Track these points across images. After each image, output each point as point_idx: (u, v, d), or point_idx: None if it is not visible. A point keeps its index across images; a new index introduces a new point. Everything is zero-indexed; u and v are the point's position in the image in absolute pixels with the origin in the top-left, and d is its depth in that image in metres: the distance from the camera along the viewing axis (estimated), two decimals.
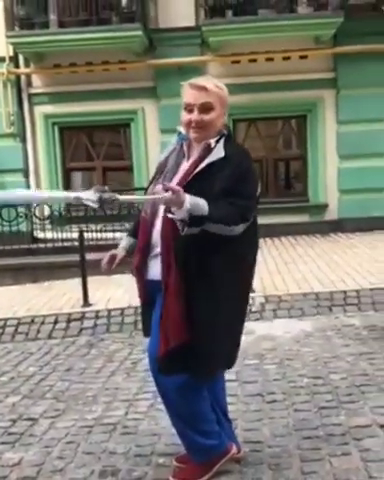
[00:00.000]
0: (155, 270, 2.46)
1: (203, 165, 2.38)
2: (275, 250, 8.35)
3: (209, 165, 2.37)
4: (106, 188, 2.27)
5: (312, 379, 3.85)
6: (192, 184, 2.34)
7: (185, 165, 2.49)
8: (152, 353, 2.52)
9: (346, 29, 8.93)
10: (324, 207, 10.08)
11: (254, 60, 9.66)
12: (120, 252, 2.69)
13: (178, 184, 2.38)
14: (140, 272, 2.52)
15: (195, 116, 2.40)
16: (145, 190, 2.68)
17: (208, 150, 2.43)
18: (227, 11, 8.94)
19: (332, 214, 10.07)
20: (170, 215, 2.20)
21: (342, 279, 6.38)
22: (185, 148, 2.53)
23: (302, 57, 9.63)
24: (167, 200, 2.16)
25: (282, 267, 7.21)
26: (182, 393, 2.46)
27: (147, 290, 2.55)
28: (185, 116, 2.43)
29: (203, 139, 2.45)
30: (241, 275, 2.49)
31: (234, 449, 2.68)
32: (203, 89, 2.39)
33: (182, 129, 2.52)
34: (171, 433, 3.07)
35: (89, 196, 2.23)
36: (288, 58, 9.64)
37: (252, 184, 2.43)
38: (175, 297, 2.35)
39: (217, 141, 2.45)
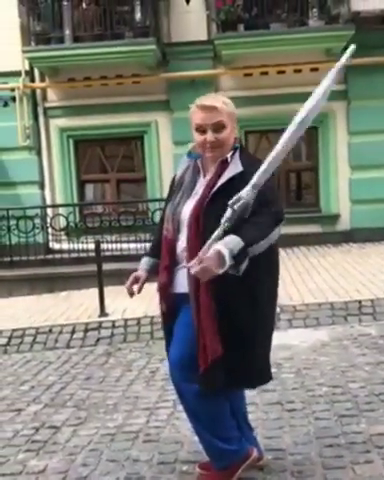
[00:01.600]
0: (180, 283, 2.52)
1: (223, 180, 2.42)
2: (288, 260, 8.39)
3: (229, 180, 2.41)
4: None
5: (331, 388, 3.88)
6: (215, 200, 2.40)
7: (202, 182, 2.55)
8: (173, 361, 2.57)
9: (357, 41, 8.87)
10: (336, 217, 10.12)
11: (266, 73, 9.77)
12: (142, 274, 2.72)
13: (200, 201, 2.45)
14: (166, 288, 2.57)
15: (210, 137, 2.44)
16: (164, 208, 2.73)
17: (225, 165, 2.48)
18: (239, 25, 9.05)
19: (344, 224, 10.11)
20: (221, 271, 2.17)
21: (356, 289, 6.41)
22: (200, 165, 2.59)
23: (313, 70, 9.69)
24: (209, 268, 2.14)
25: (296, 277, 7.25)
26: (202, 399, 2.50)
27: (172, 304, 2.59)
28: (199, 137, 2.48)
29: (219, 157, 2.50)
30: (272, 284, 2.55)
31: (255, 453, 2.71)
32: (213, 109, 2.43)
33: (194, 149, 2.57)
34: (193, 441, 3.12)
35: None
36: (299, 71, 9.72)
37: (273, 190, 2.48)
38: (208, 312, 2.39)
39: (232, 155, 2.50)
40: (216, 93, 2.71)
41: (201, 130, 2.46)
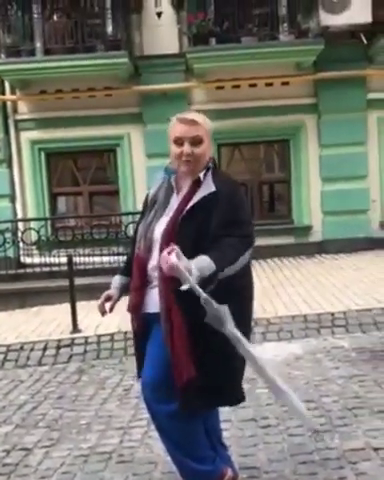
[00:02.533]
0: (152, 303, 2.50)
1: (196, 199, 2.44)
2: (262, 272, 8.42)
3: (202, 199, 2.43)
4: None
5: (304, 403, 3.80)
6: (187, 219, 2.41)
7: (175, 199, 2.55)
8: (145, 382, 2.55)
9: (326, 56, 9.16)
10: (308, 229, 10.21)
11: (237, 86, 9.85)
12: (114, 292, 2.70)
13: (172, 220, 2.46)
14: (137, 308, 2.55)
15: (186, 149, 2.46)
16: (136, 226, 2.71)
17: (198, 184, 2.50)
18: (210, 39, 9.11)
19: (316, 236, 10.20)
20: (184, 287, 2.20)
21: (329, 301, 6.46)
22: (173, 183, 2.59)
23: (284, 83, 9.84)
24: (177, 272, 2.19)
25: (269, 290, 7.28)
26: (175, 419, 2.48)
27: (143, 323, 2.57)
28: (176, 149, 2.49)
29: (193, 172, 2.51)
30: (245, 305, 2.54)
31: (230, 473, 2.68)
32: (193, 123, 2.47)
33: (170, 164, 2.58)
34: (167, 461, 3.08)
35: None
36: (271, 84, 9.84)
37: (246, 211, 2.50)
38: (180, 333, 2.38)
39: (205, 174, 2.52)
40: (194, 110, 2.71)
41: (179, 143, 2.48)
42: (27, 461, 3.37)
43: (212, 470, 2.60)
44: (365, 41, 9.42)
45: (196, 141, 2.47)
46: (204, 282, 2.23)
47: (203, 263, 2.23)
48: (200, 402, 2.44)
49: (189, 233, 2.37)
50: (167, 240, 2.41)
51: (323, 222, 10.16)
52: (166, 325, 2.42)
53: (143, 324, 2.56)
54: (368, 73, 9.79)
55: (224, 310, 2.26)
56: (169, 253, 2.20)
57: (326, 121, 9.94)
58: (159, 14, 9.44)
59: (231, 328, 2.28)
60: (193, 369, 2.38)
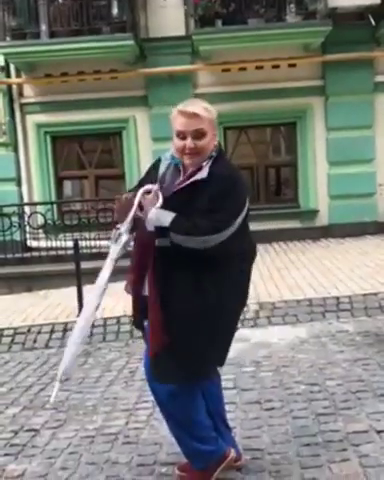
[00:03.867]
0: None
1: (185, 184, 2.47)
2: (267, 256, 8.43)
3: (191, 184, 2.45)
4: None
5: (308, 386, 3.91)
6: (172, 199, 2.45)
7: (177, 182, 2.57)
8: (147, 363, 2.62)
9: (334, 37, 9.06)
10: (315, 213, 10.18)
11: (244, 68, 9.77)
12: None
13: (163, 202, 2.47)
14: (136, 289, 2.58)
15: (189, 143, 2.45)
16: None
17: (197, 170, 2.50)
18: (217, 21, 9.03)
19: (322, 220, 10.18)
20: (157, 244, 2.40)
21: (334, 285, 6.47)
22: (180, 167, 2.58)
23: (291, 65, 9.75)
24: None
25: (275, 273, 7.29)
26: (176, 399, 2.53)
27: (142, 306, 2.58)
28: (178, 142, 2.48)
29: (197, 164, 2.51)
30: (223, 277, 2.51)
31: (233, 454, 2.72)
32: (194, 116, 2.43)
33: (174, 153, 2.56)
34: (172, 442, 3.11)
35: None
36: (277, 66, 9.75)
37: (231, 200, 2.44)
38: (153, 304, 2.44)
39: (206, 163, 2.51)
40: (197, 98, 2.66)
41: (181, 136, 2.46)
42: (34, 442, 3.42)
43: (214, 450, 2.64)
44: (373, 23, 9.30)
45: (199, 134, 2.45)
46: (158, 229, 2.38)
47: (164, 214, 2.39)
48: (174, 369, 2.47)
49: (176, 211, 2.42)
50: None
51: (329, 206, 10.13)
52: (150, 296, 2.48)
53: (142, 306, 2.56)
54: (376, 55, 9.69)
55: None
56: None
57: (333, 104, 9.87)
58: None
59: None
60: (165, 338, 2.43)
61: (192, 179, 2.46)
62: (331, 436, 3.10)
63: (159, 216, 2.38)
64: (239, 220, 2.44)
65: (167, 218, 2.36)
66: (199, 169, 2.49)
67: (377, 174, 10.01)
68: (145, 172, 2.79)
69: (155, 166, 2.67)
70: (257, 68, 9.77)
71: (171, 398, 2.53)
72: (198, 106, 2.48)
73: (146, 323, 2.59)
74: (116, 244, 2.50)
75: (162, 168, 2.64)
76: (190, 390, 2.55)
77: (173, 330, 2.44)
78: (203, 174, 2.45)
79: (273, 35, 9.02)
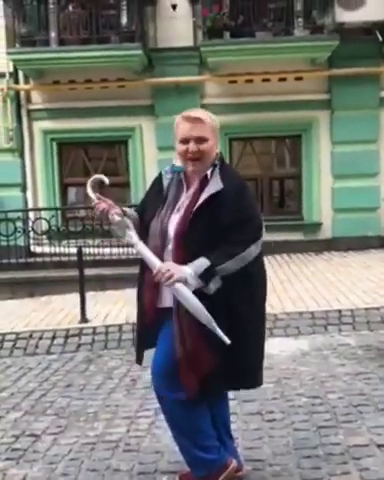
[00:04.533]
0: (165, 298, 2.56)
1: (204, 198, 2.48)
2: (270, 268, 8.41)
3: (210, 197, 2.47)
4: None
5: (310, 398, 3.92)
6: (197, 217, 2.46)
7: (185, 196, 2.58)
8: (155, 370, 2.62)
9: (341, 52, 9.13)
10: (318, 226, 10.21)
11: (251, 81, 9.84)
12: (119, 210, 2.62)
13: (183, 218, 2.50)
14: (152, 303, 2.59)
15: (192, 146, 2.49)
16: (141, 205, 2.78)
17: (205, 182, 2.53)
18: (225, 33, 9.10)
19: (326, 233, 10.20)
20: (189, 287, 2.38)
21: (337, 298, 6.48)
22: (183, 179, 2.62)
23: (298, 78, 9.81)
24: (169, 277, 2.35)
25: (277, 285, 7.30)
26: (183, 409, 2.55)
27: (156, 317, 2.60)
28: (181, 147, 2.52)
29: (200, 171, 2.54)
30: (255, 300, 2.60)
31: (234, 464, 2.73)
32: (198, 121, 2.50)
33: (177, 162, 2.61)
34: (173, 451, 3.13)
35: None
36: (284, 79, 9.82)
37: (253, 207, 2.55)
38: (192, 328, 2.45)
39: (212, 171, 2.54)
40: (199, 108, 2.73)
41: (184, 142, 2.51)
42: (35, 447, 3.43)
43: (217, 459, 2.65)
44: (380, 38, 9.37)
45: (201, 139, 2.50)
46: (204, 277, 2.36)
47: (197, 263, 2.38)
48: (218, 387, 2.56)
49: (199, 231, 2.43)
50: (180, 238, 2.48)
51: (333, 219, 10.15)
52: (176, 318, 2.48)
53: (156, 318, 2.59)
54: (382, 70, 9.75)
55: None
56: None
57: (339, 118, 9.92)
58: (174, 6, 9.42)
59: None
60: (213, 357, 2.45)
61: (208, 192, 2.48)
62: (332, 449, 3.11)
63: (194, 267, 2.37)
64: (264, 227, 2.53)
65: (203, 263, 2.37)
66: (205, 179, 2.53)
67: (381, 188, 10.04)
68: (148, 188, 2.81)
69: (158, 181, 2.71)
70: (264, 80, 9.83)
71: (178, 408, 2.55)
72: (201, 112, 2.58)
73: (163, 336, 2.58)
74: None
75: (165, 183, 2.66)
76: (198, 400, 2.56)
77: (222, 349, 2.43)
78: (218, 185, 2.48)
79: (280, 48, 9.10)
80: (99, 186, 2.74)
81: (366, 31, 9.48)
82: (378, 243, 9.85)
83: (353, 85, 9.60)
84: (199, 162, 2.52)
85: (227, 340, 2.35)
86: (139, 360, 2.77)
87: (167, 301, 2.55)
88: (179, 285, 2.35)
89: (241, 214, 2.45)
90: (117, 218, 2.55)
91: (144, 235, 2.60)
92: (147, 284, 2.60)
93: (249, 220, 2.47)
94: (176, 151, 2.56)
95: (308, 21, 9.14)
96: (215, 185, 2.49)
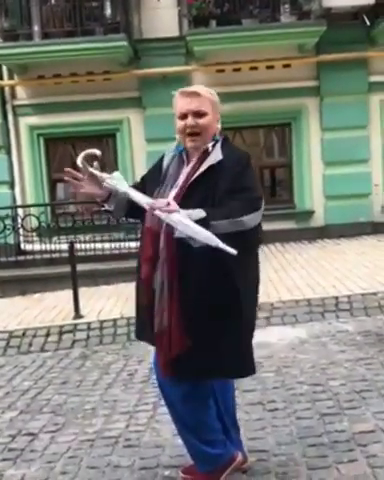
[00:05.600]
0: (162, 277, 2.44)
1: (203, 169, 2.39)
2: (264, 257, 8.35)
3: (208, 168, 2.38)
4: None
5: (311, 386, 3.85)
6: (194, 187, 2.37)
7: (185, 170, 2.49)
8: (155, 360, 2.54)
9: (328, 37, 9.04)
10: (310, 213, 10.14)
11: (238, 69, 9.72)
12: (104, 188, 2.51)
13: (179, 192, 2.40)
14: (149, 280, 2.46)
15: (189, 121, 2.41)
16: (141, 181, 2.69)
17: (206, 154, 2.44)
18: (211, 21, 8.99)
19: (318, 220, 10.14)
20: (176, 235, 2.22)
21: (333, 285, 6.41)
22: (184, 156, 2.53)
23: (286, 66, 9.71)
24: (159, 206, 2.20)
25: (272, 274, 7.23)
26: (188, 402, 2.46)
27: (153, 297, 2.47)
28: (180, 123, 2.44)
29: (200, 146, 2.45)
30: (249, 278, 2.47)
31: (240, 457, 2.67)
32: (195, 94, 2.42)
33: (178, 138, 2.52)
34: (175, 445, 3.07)
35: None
36: (272, 67, 9.71)
37: (252, 178, 2.42)
38: (176, 303, 2.34)
39: (214, 146, 2.46)
40: (198, 85, 2.63)
41: (183, 116, 2.43)
42: (33, 446, 3.34)
43: (222, 453, 2.58)
44: (368, 23, 9.28)
45: (200, 113, 2.41)
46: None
47: (193, 211, 2.22)
48: (196, 372, 2.40)
49: (193, 203, 2.32)
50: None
51: (325, 207, 10.09)
52: (168, 294, 2.38)
53: (153, 298, 2.46)
54: (370, 55, 9.67)
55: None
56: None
57: (328, 104, 9.84)
58: None
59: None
60: (184, 339, 2.34)
61: (208, 163, 2.39)
62: (337, 436, 3.04)
63: (189, 214, 2.20)
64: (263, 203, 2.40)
65: (200, 212, 2.21)
66: (205, 152, 2.43)
67: (372, 174, 9.99)
68: (151, 166, 2.71)
69: (160, 160, 2.62)
70: (251, 69, 9.72)
71: (183, 400, 2.46)
72: (199, 87, 2.50)
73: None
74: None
75: (166, 160, 2.59)
76: (203, 392, 2.49)
77: (198, 331, 2.35)
78: (218, 156, 2.40)
79: (267, 35, 8.97)
80: (92, 159, 2.58)
81: (353, 16, 9.40)
82: (371, 229, 9.80)
83: (342, 71, 9.51)
84: (198, 137, 2.43)
85: (233, 250, 2.15)
86: (138, 336, 2.66)
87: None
88: (177, 215, 2.19)
89: (239, 182, 2.33)
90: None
91: (140, 213, 2.48)
92: (143, 259, 2.48)
93: (248, 189, 2.34)
94: (176, 127, 2.47)
95: (295, 7, 9.02)
96: (215, 156, 2.41)
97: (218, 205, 2.29)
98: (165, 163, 2.58)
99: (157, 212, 2.22)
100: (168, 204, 2.19)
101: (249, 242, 2.40)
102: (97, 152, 2.53)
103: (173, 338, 2.36)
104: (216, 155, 2.41)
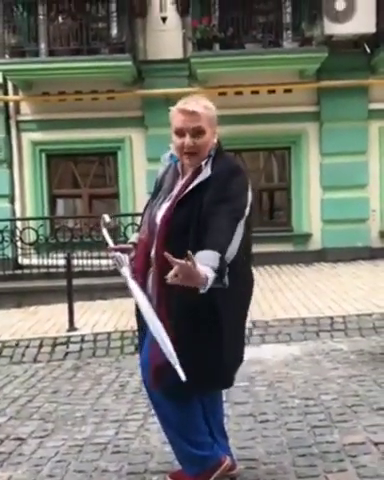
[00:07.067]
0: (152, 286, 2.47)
1: (192, 186, 2.40)
2: (261, 279, 8.36)
3: (197, 185, 2.40)
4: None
5: (303, 400, 3.83)
6: (182, 204, 2.39)
7: (180, 182, 2.51)
8: (143, 363, 2.53)
9: (329, 64, 9.21)
10: (308, 237, 10.19)
11: (240, 93, 9.88)
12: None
13: (169, 207, 2.43)
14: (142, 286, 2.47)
15: (187, 141, 2.40)
16: (146, 205, 2.69)
17: (199, 171, 2.45)
18: (215, 44, 9.16)
19: (316, 244, 10.18)
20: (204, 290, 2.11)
21: (328, 305, 6.42)
22: (179, 168, 2.55)
23: (287, 90, 9.87)
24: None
25: (268, 294, 7.23)
26: (174, 403, 2.44)
27: None
28: (177, 140, 2.44)
29: (196, 164, 2.46)
30: (239, 292, 2.43)
31: (228, 461, 2.63)
32: (193, 114, 2.39)
33: (174, 151, 2.53)
34: (163, 451, 3.05)
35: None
36: (273, 91, 9.87)
37: (237, 186, 2.37)
38: (163, 315, 2.33)
39: (206, 163, 2.46)
40: (197, 96, 2.63)
41: (180, 134, 2.43)
42: (21, 450, 3.31)
43: (209, 456, 2.54)
44: (369, 51, 9.46)
45: (197, 132, 2.40)
46: (220, 270, 2.12)
47: (209, 258, 2.12)
48: (174, 382, 2.29)
49: (182, 218, 2.34)
50: (164, 225, 2.40)
51: (323, 230, 10.14)
52: (157, 308, 2.37)
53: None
54: (370, 83, 9.85)
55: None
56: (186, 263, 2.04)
57: (328, 129, 9.97)
58: (164, 19, 9.49)
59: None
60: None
61: (197, 180, 2.40)
62: (327, 447, 3.02)
63: (210, 264, 2.09)
64: (247, 209, 2.38)
65: (211, 255, 2.12)
66: (198, 169, 2.45)
67: (370, 200, 10.06)
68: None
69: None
70: (253, 93, 9.89)
71: (169, 402, 2.44)
72: (197, 104, 2.44)
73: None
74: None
75: (161, 170, 2.62)
76: (188, 394, 2.46)
77: (183, 345, 2.29)
78: (207, 173, 2.40)
79: (270, 60, 9.14)
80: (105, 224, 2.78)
81: (354, 43, 9.58)
82: (368, 254, 9.83)
83: (342, 97, 9.67)
84: (195, 156, 2.44)
85: (183, 376, 2.10)
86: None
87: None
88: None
89: (222, 195, 2.31)
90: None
91: None
92: (135, 270, 2.49)
93: (229, 200, 2.31)
94: (172, 143, 2.49)
95: (297, 33, 9.21)
96: (204, 174, 2.42)
97: (203, 226, 2.26)
98: (160, 172, 2.61)
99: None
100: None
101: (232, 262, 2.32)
102: (106, 218, 2.70)
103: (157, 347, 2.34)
104: (206, 172, 2.41)
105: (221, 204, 2.29)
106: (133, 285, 2.38)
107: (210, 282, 2.06)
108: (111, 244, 2.63)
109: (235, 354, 2.54)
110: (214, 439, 2.62)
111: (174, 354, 2.13)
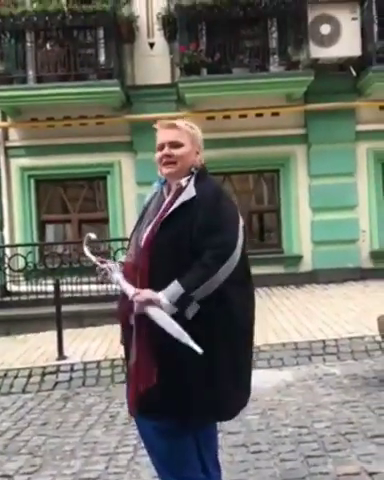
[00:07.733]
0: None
1: (175, 206, 2.38)
2: None
3: (180, 205, 2.37)
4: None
5: (296, 428, 3.78)
6: (165, 225, 2.36)
7: (163, 205, 2.49)
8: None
9: (316, 87, 9.28)
10: (299, 258, 10.16)
11: (228, 117, 9.93)
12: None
13: (152, 228, 2.40)
14: (126, 315, 2.43)
15: (165, 150, 2.44)
16: (131, 233, 2.65)
17: (180, 190, 2.44)
18: (202, 69, 9.21)
19: (306, 265, 10.15)
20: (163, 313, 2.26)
21: (320, 328, 6.38)
22: (165, 191, 2.55)
23: (274, 114, 9.93)
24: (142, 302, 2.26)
25: (259, 317, 7.11)
26: (164, 438, 2.35)
27: (130, 335, 2.42)
28: (158, 154, 2.49)
29: (175, 176, 2.46)
30: (227, 320, 2.37)
31: None
32: (173, 127, 2.47)
33: (159, 171, 2.54)
34: None
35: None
36: (261, 115, 9.93)
37: (225, 216, 2.36)
38: (146, 341, 2.30)
39: (188, 180, 2.45)
40: (181, 118, 2.68)
41: (160, 147, 2.48)
42: None
43: None
44: (354, 74, 9.56)
45: (176, 144, 2.44)
46: (180, 305, 2.23)
47: (172, 291, 2.24)
48: (158, 411, 2.31)
49: (167, 239, 2.32)
50: (148, 246, 2.37)
51: (313, 252, 10.12)
52: (137, 332, 2.34)
53: (130, 335, 2.42)
54: (357, 105, 9.92)
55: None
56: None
57: (316, 152, 10.01)
58: (151, 45, 9.56)
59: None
60: (151, 376, 2.27)
61: (180, 200, 2.38)
62: (321, 479, 2.96)
63: (169, 294, 2.23)
64: (240, 241, 2.34)
65: (178, 287, 2.22)
66: (179, 190, 2.43)
67: (360, 220, 10.08)
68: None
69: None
70: (241, 116, 9.93)
71: (159, 436, 2.34)
72: (181, 121, 2.53)
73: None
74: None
75: (149, 195, 2.61)
76: (180, 429, 2.36)
77: (167, 372, 2.27)
78: (191, 193, 2.39)
79: (257, 84, 9.20)
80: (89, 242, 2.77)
81: (340, 67, 9.68)
82: (359, 275, 9.81)
83: (329, 119, 9.73)
84: (174, 165, 2.44)
85: (199, 349, 2.16)
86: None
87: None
88: (152, 309, 2.24)
89: (210, 225, 2.29)
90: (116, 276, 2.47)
91: None
92: (121, 293, 2.46)
93: (218, 231, 2.29)
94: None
95: (283, 57, 9.27)
96: (188, 193, 2.40)
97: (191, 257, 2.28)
98: (148, 198, 2.60)
99: (136, 303, 2.29)
100: (149, 300, 2.25)
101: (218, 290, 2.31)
102: (92, 236, 2.71)
103: (141, 372, 2.31)
104: (189, 192, 2.39)
105: (212, 236, 2.28)
106: (126, 285, 2.37)
107: (166, 309, 2.22)
108: (94, 259, 2.59)
109: (234, 382, 2.43)
110: (207, 475, 2.54)
111: (184, 332, 2.19)
